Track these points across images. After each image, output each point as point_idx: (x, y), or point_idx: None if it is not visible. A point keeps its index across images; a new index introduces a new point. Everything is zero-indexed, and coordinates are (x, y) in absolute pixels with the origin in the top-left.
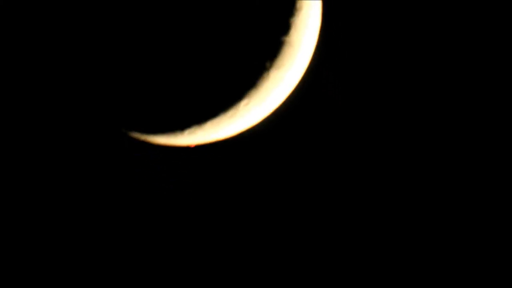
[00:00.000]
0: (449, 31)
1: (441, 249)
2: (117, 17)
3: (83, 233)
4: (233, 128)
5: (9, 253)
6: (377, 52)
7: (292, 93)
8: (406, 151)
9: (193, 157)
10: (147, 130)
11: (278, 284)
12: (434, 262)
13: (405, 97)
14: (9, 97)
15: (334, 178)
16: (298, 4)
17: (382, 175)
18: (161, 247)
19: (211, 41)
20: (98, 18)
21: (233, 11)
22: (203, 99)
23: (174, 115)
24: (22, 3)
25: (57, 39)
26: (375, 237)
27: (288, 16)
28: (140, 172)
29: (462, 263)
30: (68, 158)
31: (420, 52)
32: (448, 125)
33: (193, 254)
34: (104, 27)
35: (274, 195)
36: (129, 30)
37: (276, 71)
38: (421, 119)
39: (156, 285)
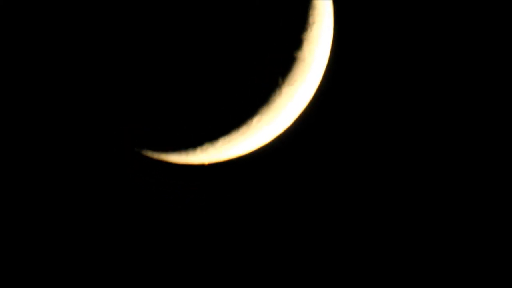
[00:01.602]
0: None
1: (441, 249)
2: (131, 36)
3: (89, 253)
4: (246, 146)
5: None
6: (391, 68)
7: (305, 110)
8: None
9: (206, 175)
10: (159, 147)
11: None
12: (434, 262)
13: (421, 112)
14: (16, 110)
15: (347, 198)
16: (310, 19)
17: (396, 199)
18: (169, 267)
19: (222, 57)
20: (113, 38)
21: (245, 27)
22: (214, 116)
23: (186, 132)
24: (22, 3)
25: (65, 56)
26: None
27: (300, 31)
28: (152, 191)
29: (462, 263)
30: (79, 176)
31: (440, 68)
32: (464, 143)
33: (201, 273)
34: (117, 46)
35: (286, 215)
36: (141, 49)
37: (288, 87)
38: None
39: None
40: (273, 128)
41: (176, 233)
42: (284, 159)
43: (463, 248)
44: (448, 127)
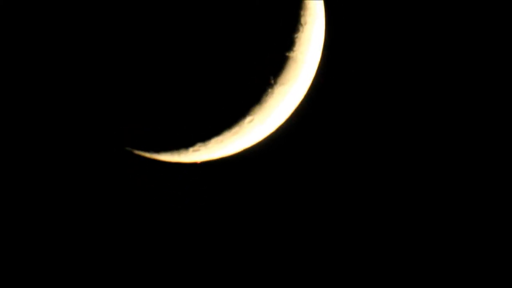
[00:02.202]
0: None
1: (441, 249)
2: (125, 36)
3: (84, 252)
4: (238, 145)
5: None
6: (383, 67)
7: (297, 109)
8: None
9: (198, 173)
10: (152, 148)
11: None
12: (434, 262)
13: (414, 114)
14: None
15: (339, 195)
16: (302, 20)
17: (391, 194)
18: (160, 264)
19: (214, 58)
20: (107, 37)
21: (237, 27)
22: (206, 116)
23: (179, 132)
24: (22, 3)
25: (63, 54)
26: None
27: (292, 31)
28: (145, 189)
29: (462, 263)
30: (72, 176)
31: (432, 75)
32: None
33: (196, 271)
34: (113, 48)
35: (278, 213)
36: (135, 49)
37: (280, 87)
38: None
39: None
40: (265, 128)
41: (169, 231)
42: (277, 158)
43: (462, 247)
44: (442, 126)
